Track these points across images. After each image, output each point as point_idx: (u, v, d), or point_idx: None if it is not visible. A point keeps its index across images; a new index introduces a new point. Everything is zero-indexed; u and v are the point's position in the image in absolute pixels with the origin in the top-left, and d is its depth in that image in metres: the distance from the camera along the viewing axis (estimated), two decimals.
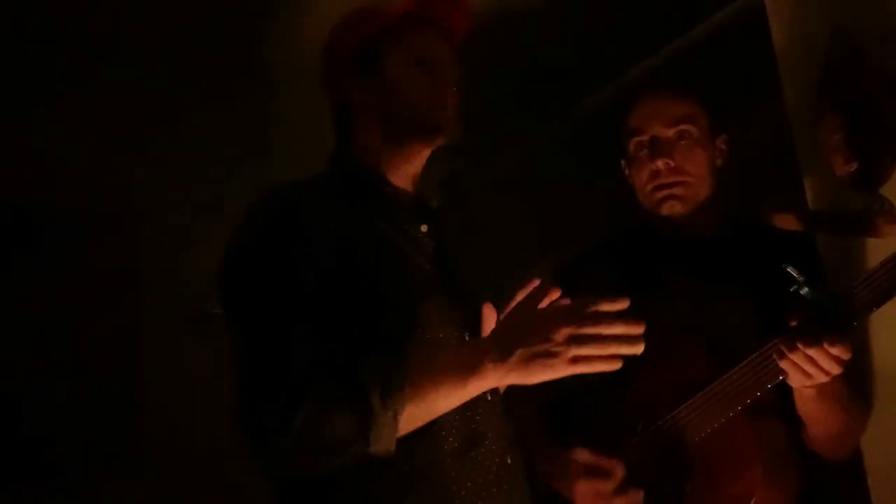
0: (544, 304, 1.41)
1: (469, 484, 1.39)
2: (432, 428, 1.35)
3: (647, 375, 1.76)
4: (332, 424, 1.26)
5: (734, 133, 1.91)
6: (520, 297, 1.46)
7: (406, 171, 1.57)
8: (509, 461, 1.47)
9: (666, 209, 1.83)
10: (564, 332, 1.28)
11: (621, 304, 1.29)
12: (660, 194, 1.83)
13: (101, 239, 2.68)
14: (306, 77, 1.71)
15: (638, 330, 1.29)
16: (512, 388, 1.51)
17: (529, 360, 1.29)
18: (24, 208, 2.63)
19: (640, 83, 2.45)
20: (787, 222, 1.88)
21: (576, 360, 1.28)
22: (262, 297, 1.35)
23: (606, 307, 1.29)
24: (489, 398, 1.46)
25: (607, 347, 1.28)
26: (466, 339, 1.47)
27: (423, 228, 1.54)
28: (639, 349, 1.29)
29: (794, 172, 2.01)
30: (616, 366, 1.29)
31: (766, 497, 1.65)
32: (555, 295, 1.40)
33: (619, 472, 1.69)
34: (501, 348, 1.30)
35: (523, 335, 1.30)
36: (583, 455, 1.71)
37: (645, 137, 1.86)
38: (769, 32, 2.06)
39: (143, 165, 2.72)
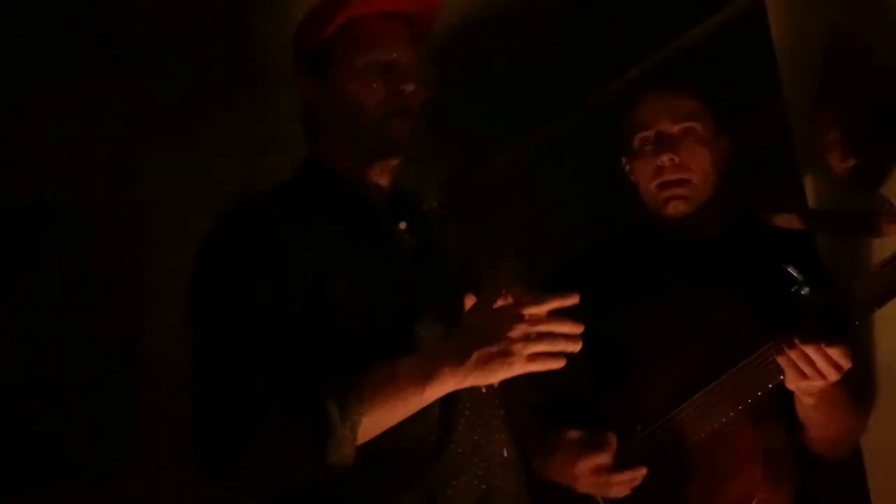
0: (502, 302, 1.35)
1: (458, 480, 1.37)
2: (412, 428, 1.33)
3: (647, 375, 1.76)
4: (290, 440, 1.25)
5: (734, 133, 1.91)
6: (476, 298, 1.40)
7: (377, 172, 1.51)
8: (506, 454, 1.46)
9: (671, 209, 1.83)
10: (520, 331, 1.28)
11: (572, 301, 1.30)
12: (665, 194, 1.83)
13: (103, 237, 2.67)
14: None
15: (579, 329, 1.30)
16: (507, 389, 1.50)
17: (488, 361, 1.28)
18: (25, 206, 2.62)
19: (640, 83, 2.44)
20: (787, 222, 1.88)
21: (532, 357, 1.29)
22: (222, 317, 1.33)
23: (558, 304, 1.29)
24: (483, 390, 1.45)
25: (556, 345, 1.29)
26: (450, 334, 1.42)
27: (402, 226, 1.51)
28: (577, 347, 1.30)
29: (794, 172, 2.01)
30: (560, 364, 1.30)
31: (766, 498, 1.65)
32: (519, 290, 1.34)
33: (613, 442, 1.69)
34: (458, 352, 1.29)
35: (480, 336, 1.29)
36: (573, 434, 1.72)
37: (650, 133, 1.85)
38: (769, 32, 2.06)
39: (144, 164, 2.72)
